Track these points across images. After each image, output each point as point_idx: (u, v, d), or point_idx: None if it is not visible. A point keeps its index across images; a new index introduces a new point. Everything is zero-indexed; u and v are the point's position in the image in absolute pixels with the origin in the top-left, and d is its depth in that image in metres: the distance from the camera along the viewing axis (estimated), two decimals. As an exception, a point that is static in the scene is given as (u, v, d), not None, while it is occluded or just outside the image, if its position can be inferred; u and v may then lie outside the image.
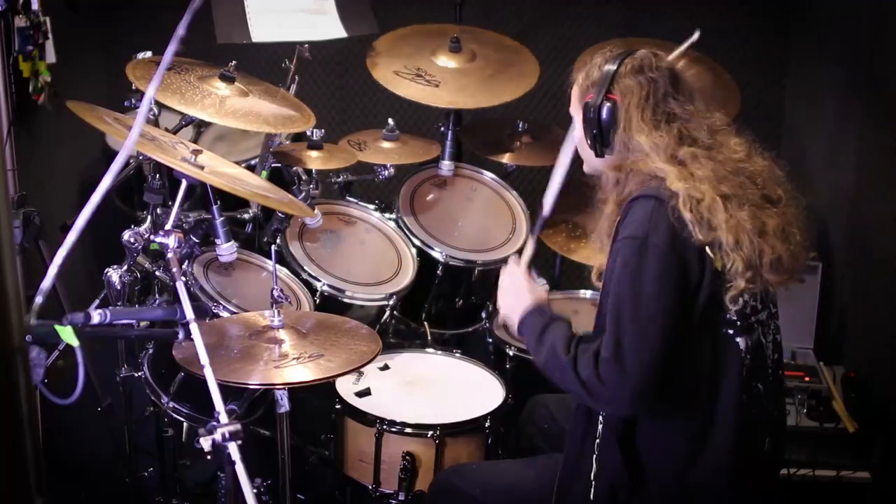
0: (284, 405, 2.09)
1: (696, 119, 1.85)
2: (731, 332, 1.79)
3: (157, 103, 2.59)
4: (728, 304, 1.74)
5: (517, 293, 1.98)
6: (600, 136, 1.88)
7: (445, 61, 3.09)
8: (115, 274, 2.33)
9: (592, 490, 1.85)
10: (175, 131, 2.66)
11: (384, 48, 3.11)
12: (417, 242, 2.95)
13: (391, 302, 2.79)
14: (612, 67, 1.87)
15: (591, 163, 1.97)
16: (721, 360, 1.79)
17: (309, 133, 2.80)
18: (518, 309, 1.94)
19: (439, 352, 2.74)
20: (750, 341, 1.81)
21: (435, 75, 3.03)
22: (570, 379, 1.76)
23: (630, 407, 1.76)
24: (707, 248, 1.73)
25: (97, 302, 2.79)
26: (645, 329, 1.71)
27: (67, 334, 1.54)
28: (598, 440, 1.85)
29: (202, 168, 2.21)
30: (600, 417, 1.84)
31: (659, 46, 2.00)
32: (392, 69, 3.03)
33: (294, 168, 2.85)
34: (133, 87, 2.59)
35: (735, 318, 1.78)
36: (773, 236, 1.77)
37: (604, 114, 1.86)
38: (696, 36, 2.53)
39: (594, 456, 1.85)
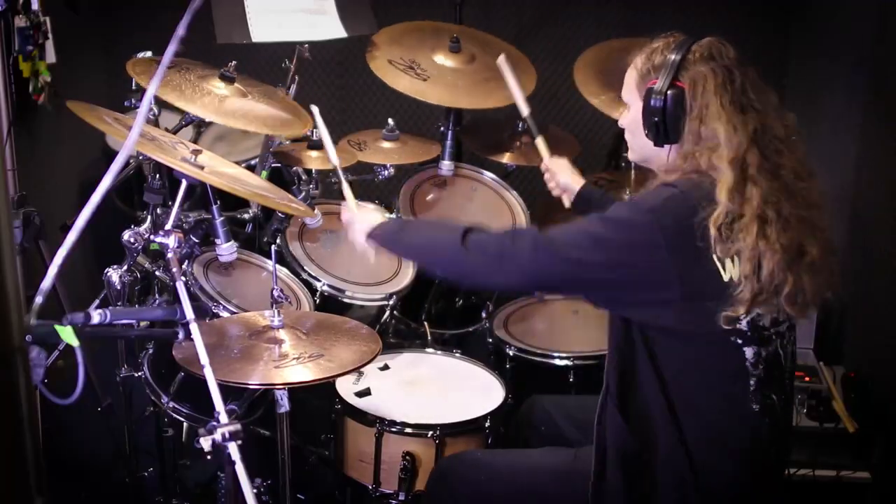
0: (284, 405, 2.09)
1: (773, 115, 1.77)
2: (739, 341, 1.73)
3: (158, 103, 2.59)
4: (721, 324, 1.68)
5: (364, 219, 2.04)
6: (664, 125, 1.77)
7: (443, 59, 3.09)
8: (115, 274, 2.33)
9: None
10: (175, 131, 2.66)
11: (387, 37, 3.11)
12: (417, 242, 2.94)
13: (391, 302, 2.79)
14: (678, 54, 1.77)
15: (644, 151, 1.88)
16: (728, 369, 1.75)
17: (309, 133, 2.80)
18: (368, 224, 2.01)
19: (439, 352, 2.74)
20: (764, 352, 1.75)
21: (426, 70, 3.02)
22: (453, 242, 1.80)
23: (503, 285, 1.85)
24: (718, 265, 1.67)
25: (97, 302, 2.79)
26: (568, 254, 1.71)
27: (67, 334, 1.54)
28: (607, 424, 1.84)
29: (202, 168, 2.21)
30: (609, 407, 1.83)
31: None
32: (388, 58, 3.03)
33: (294, 168, 2.85)
34: (133, 87, 2.59)
35: (745, 328, 1.72)
36: (807, 266, 1.70)
37: (671, 101, 1.76)
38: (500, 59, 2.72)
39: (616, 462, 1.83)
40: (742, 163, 1.70)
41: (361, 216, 2.06)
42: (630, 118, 1.89)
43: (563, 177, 2.51)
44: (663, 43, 1.83)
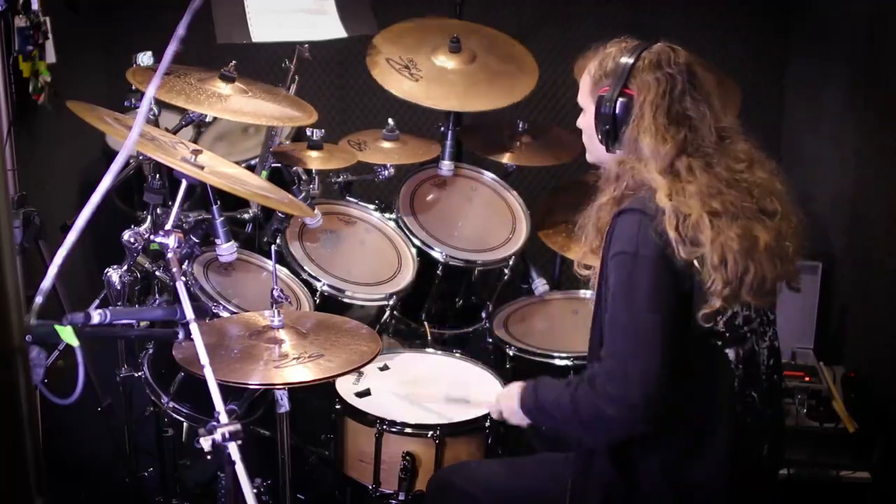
0: (284, 405, 2.09)
1: (707, 121, 1.81)
2: (719, 343, 1.77)
3: (158, 103, 2.59)
4: (700, 322, 1.71)
5: (506, 400, 1.99)
6: (613, 131, 1.83)
7: (443, 60, 3.08)
8: (115, 274, 2.33)
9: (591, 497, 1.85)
10: (175, 131, 2.66)
11: (389, 36, 3.11)
12: (417, 242, 2.95)
13: (391, 302, 2.79)
14: (629, 60, 1.82)
15: (598, 154, 1.92)
16: (712, 372, 1.78)
17: (309, 133, 2.80)
18: (512, 405, 1.95)
19: (439, 352, 2.74)
20: (742, 351, 1.79)
21: (421, 71, 3.02)
22: (583, 417, 1.77)
23: (644, 421, 1.71)
24: (695, 262, 1.70)
25: (97, 302, 2.79)
26: (644, 342, 1.69)
27: (67, 334, 1.54)
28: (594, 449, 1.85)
29: (202, 168, 2.21)
30: None
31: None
32: (385, 56, 3.03)
33: (294, 168, 2.84)
34: (133, 88, 2.59)
35: (723, 329, 1.76)
36: (764, 253, 1.74)
37: (619, 109, 1.81)
38: None
39: (589, 462, 1.86)
40: (671, 169, 1.76)
41: (504, 399, 2.01)
42: (585, 122, 1.93)
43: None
44: (616, 49, 1.87)
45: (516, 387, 1.96)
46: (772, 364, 1.88)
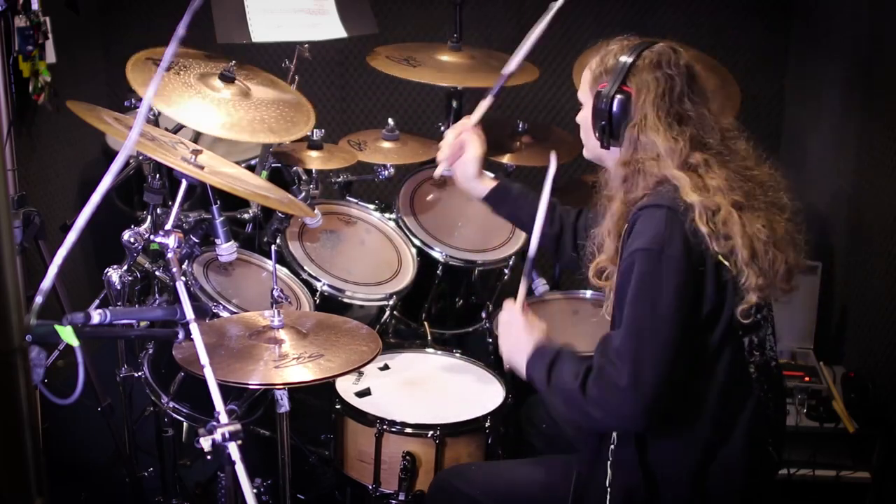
0: (284, 405, 2.10)
1: (708, 122, 1.81)
2: (740, 332, 1.78)
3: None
4: (739, 318, 1.72)
5: (516, 337, 1.92)
6: (609, 128, 1.83)
7: (443, 57, 3.13)
8: (115, 274, 2.33)
9: (608, 497, 1.84)
10: (175, 131, 2.66)
11: (392, 48, 3.16)
12: (417, 242, 2.95)
13: (391, 302, 2.79)
14: (629, 59, 1.82)
15: (594, 150, 1.92)
16: (736, 368, 1.78)
17: (309, 133, 2.80)
18: (520, 354, 1.90)
19: (439, 352, 2.74)
20: (755, 338, 1.80)
21: (419, 60, 3.04)
22: (581, 405, 1.74)
23: (644, 420, 1.71)
24: (724, 260, 1.70)
25: (97, 302, 2.80)
26: (664, 343, 1.68)
27: (67, 334, 1.54)
28: (612, 446, 1.83)
29: (202, 168, 2.21)
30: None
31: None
32: (386, 54, 3.07)
33: (294, 168, 2.85)
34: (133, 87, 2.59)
35: (743, 318, 1.75)
36: (785, 243, 1.76)
37: (616, 106, 1.81)
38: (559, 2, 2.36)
39: (609, 462, 1.84)
40: (688, 164, 1.76)
41: (528, 333, 1.91)
42: (583, 117, 1.93)
43: (471, 159, 2.27)
44: (618, 46, 1.87)
45: (533, 347, 1.88)
46: (773, 355, 1.89)
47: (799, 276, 1.82)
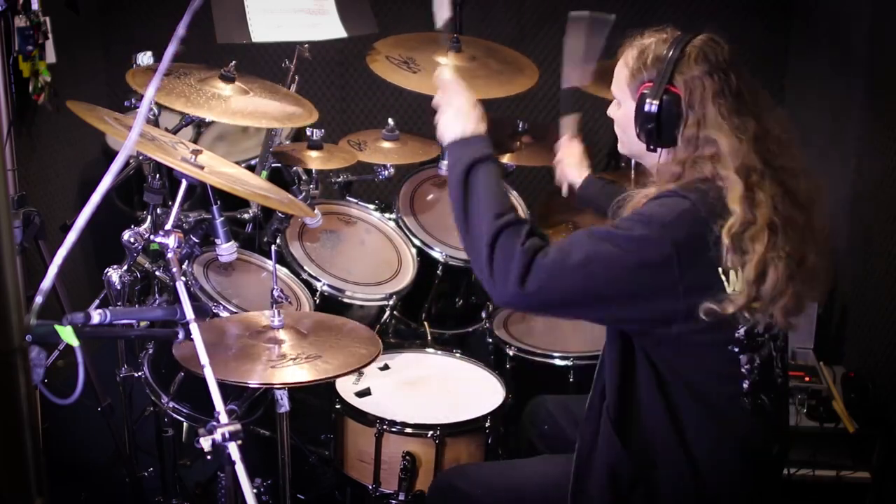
0: (284, 405, 2.10)
1: (767, 115, 1.73)
2: (735, 349, 1.72)
3: (158, 103, 2.59)
4: (701, 315, 1.62)
5: (454, 106, 1.92)
6: (658, 130, 1.73)
7: (444, 59, 3.08)
8: (115, 274, 2.33)
9: (600, 481, 1.81)
10: (175, 131, 2.66)
11: (390, 41, 3.12)
12: (417, 242, 2.95)
13: (391, 302, 2.79)
14: (672, 54, 1.72)
15: (633, 147, 1.84)
16: (725, 377, 1.74)
17: (309, 133, 2.80)
18: (450, 129, 1.88)
19: (439, 352, 2.74)
20: (758, 358, 1.74)
21: (420, 65, 3.01)
22: (479, 248, 1.67)
23: (505, 306, 1.67)
24: (722, 274, 1.63)
25: (97, 302, 2.80)
26: (583, 291, 1.62)
27: (67, 334, 1.54)
28: (599, 436, 1.82)
29: (202, 168, 2.21)
30: (604, 416, 1.81)
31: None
32: (386, 54, 3.04)
33: (294, 168, 2.85)
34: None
35: (742, 336, 1.71)
36: (806, 274, 1.68)
37: (665, 108, 1.71)
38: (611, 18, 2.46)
39: (596, 451, 1.83)
40: (747, 170, 1.67)
41: (460, 97, 1.93)
42: (621, 114, 1.86)
43: (569, 165, 2.47)
44: (655, 39, 1.80)
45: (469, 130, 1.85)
46: (782, 368, 1.84)
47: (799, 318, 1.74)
